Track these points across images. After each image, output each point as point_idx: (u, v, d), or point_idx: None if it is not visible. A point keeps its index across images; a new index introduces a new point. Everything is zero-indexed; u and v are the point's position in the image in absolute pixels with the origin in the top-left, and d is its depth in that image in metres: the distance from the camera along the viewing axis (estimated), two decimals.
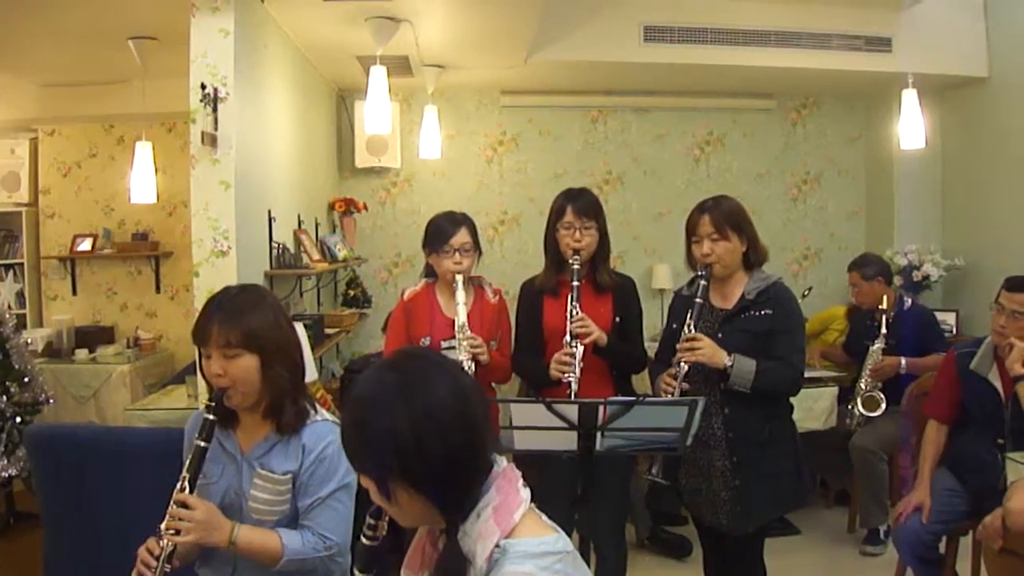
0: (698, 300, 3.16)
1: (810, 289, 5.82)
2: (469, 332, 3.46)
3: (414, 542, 1.69)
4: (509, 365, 3.71)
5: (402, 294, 3.78)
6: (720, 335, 3.14)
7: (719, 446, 3.15)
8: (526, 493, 1.55)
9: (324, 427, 2.38)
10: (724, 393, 3.12)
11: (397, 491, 1.48)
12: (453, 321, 3.51)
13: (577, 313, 3.33)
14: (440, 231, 3.60)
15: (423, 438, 1.43)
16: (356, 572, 1.70)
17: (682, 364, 3.09)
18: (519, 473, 1.59)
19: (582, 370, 3.28)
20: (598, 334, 3.35)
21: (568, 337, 3.32)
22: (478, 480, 1.52)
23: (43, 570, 3.56)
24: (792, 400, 3.30)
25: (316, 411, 2.42)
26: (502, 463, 1.58)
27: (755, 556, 3.27)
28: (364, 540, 1.69)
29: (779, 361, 3.10)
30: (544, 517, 1.56)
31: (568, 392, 3.23)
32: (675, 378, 3.09)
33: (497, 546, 1.45)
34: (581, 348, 3.31)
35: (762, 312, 3.14)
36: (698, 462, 3.21)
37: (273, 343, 2.29)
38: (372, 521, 1.67)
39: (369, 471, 1.50)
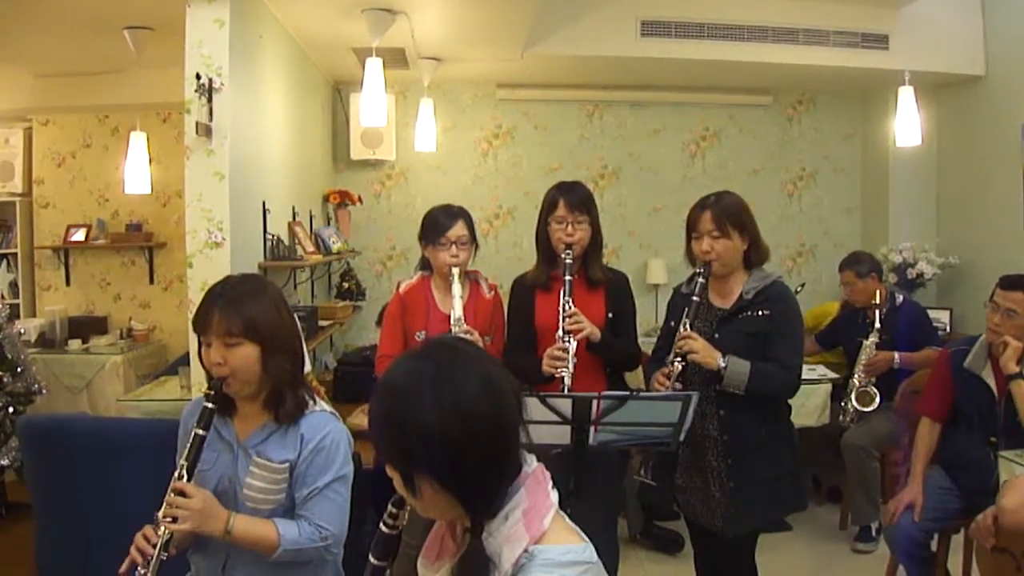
0: (695, 298, 3.11)
1: (803, 285, 5.82)
2: (465, 325, 3.44)
3: (432, 532, 1.67)
4: (502, 361, 3.68)
5: (397, 287, 3.76)
6: (717, 335, 3.10)
7: (714, 448, 3.12)
8: (555, 496, 1.52)
9: (322, 417, 2.38)
10: (720, 395, 3.08)
11: (422, 485, 1.44)
12: (448, 315, 3.49)
13: (570, 307, 3.30)
14: (436, 224, 3.58)
15: (452, 433, 1.39)
16: (372, 559, 1.68)
17: (675, 363, 3.05)
18: (548, 474, 1.55)
19: (575, 365, 3.26)
20: (591, 329, 3.32)
21: (561, 332, 3.30)
22: (507, 479, 1.48)
23: (35, 560, 3.56)
24: None
25: (315, 402, 2.41)
26: (532, 463, 1.54)
27: (747, 555, 3.25)
28: (384, 528, 1.66)
29: (775, 363, 3.05)
30: (568, 520, 1.53)
31: (561, 388, 3.18)
32: (668, 377, 3.05)
33: (525, 551, 1.41)
34: (574, 343, 3.28)
35: (760, 312, 3.09)
36: (695, 463, 3.18)
37: (274, 333, 2.28)
38: (394, 510, 1.64)
39: (394, 462, 1.47)
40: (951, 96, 6.86)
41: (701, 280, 3.13)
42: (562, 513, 1.52)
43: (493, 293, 3.74)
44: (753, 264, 3.19)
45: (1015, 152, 6.07)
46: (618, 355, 3.53)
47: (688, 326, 3.09)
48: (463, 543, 1.52)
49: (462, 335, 3.39)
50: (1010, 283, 3.66)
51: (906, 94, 5.93)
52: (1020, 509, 3.06)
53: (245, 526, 2.25)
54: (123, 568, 2.15)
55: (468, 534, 1.49)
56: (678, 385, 3.03)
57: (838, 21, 6.13)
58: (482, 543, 1.44)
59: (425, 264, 3.73)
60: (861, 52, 6.21)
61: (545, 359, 3.30)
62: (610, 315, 3.50)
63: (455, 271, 3.51)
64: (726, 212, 3.11)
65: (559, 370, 3.24)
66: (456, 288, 3.49)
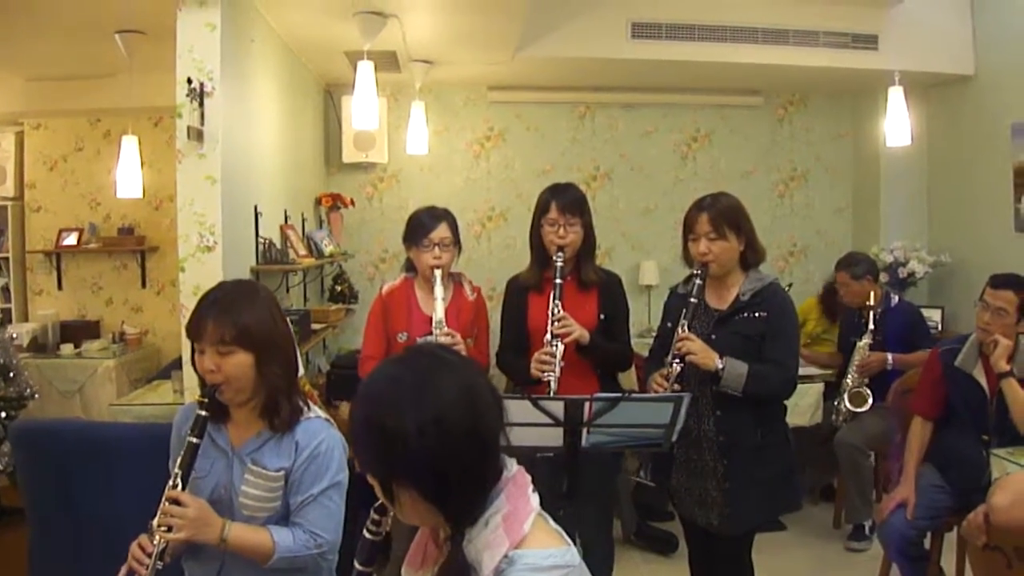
0: (693, 300, 3.12)
1: (790, 285, 5.82)
2: (446, 328, 3.45)
3: (416, 539, 1.66)
4: (485, 363, 3.70)
5: (381, 288, 3.78)
6: (714, 336, 3.11)
7: (711, 448, 3.13)
8: (536, 500, 1.50)
9: (317, 424, 2.37)
10: (716, 395, 3.09)
11: (400, 493, 1.44)
12: (430, 317, 3.51)
13: (559, 311, 3.32)
14: (420, 225, 3.61)
15: (430, 442, 1.38)
16: (357, 565, 1.68)
17: (674, 365, 3.05)
18: (529, 478, 1.54)
19: (563, 369, 3.26)
20: (580, 332, 3.33)
21: (549, 336, 3.30)
22: (486, 487, 1.47)
23: (28, 565, 3.55)
24: None
25: (309, 408, 2.40)
26: (512, 467, 1.53)
27: (743, 555, 3.25)
28: (367, 534, 1.66)
29: (772, 364, 3.07)
30: (551, 522, 1.52)
31: (548, 391, 3.19)
32: (667, 379, 3.05)
33: (505, 557, 1.40)
34: (562, 347, 3.29)
35: (756, 314, 3.10)
36: (691, 462, 3.19)
37: (268, 340, 2.27)
38: (377, 516, 1.64)
39: (373, 470, 1.46)
40: (941, 96, 6.88)
41: (699, 282, 3.13)
42: (545, 515, 1.52)
43: (476, 295, 3.77)
44: (749, 265, 3.21)
45: (1005, 151, 6.09)
46: (608, 356, 3.55)
47: (686, 327, 3.09)
48: (445, 550, 1.52)
49: (443, 337, 3.40)
50: (1000, 282, 3.68)
51: (896, 94, 5.95)
52: (1011, 507, 3.08)
53: (240, 534, 2.25)
54: None
55: (449, 541, 1.48)
56: (676, 387, 3.03)
57: (828, 22, 6.14)
58: (462, 550, 1.44)
59: (410, 266, 3.75)
60: (851, 52, 6.22)
61: (533, 362, 3.32)
62: (602, 316, 3.51)
63: (437, 273, 3.52)
64: (724, 214, 3.12)
65: (545, 373, 3.26)
66: (438, 290, 3.51)
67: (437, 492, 1.42)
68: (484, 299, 3.81)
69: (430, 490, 1.42)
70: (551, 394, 3.17)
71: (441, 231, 3.58)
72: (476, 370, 1.55)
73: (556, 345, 3.29)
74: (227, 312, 2.23)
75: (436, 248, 3.55)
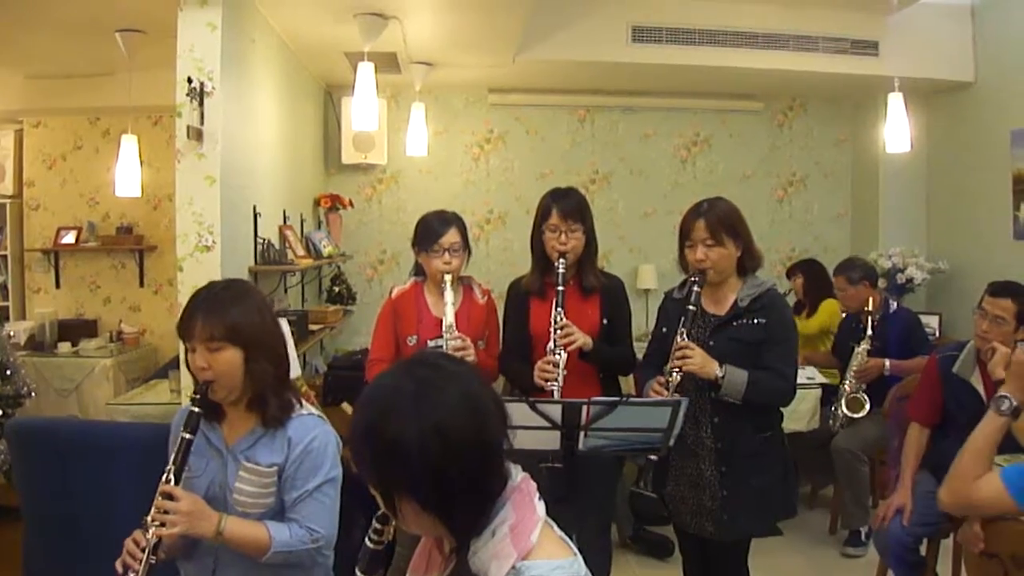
0: (691, 307, 3.08)
1: (788, 291, 5.84)
2: (456, 332, 3.43)
3: (420, 545, 1.66)
4: (496, 366, 3.69)
5: (390, 292, 3.76)
6: (711, 342, 3.08)
7: (708, 456, 3.10)
8: (542, 509, 1.49)
9: (310, 420, 2.39)
10: (714, 402, 3.06)
11: (403, 504, 1.43)
12: (441, 320, 3.48)
13: (561, 319, 3.30)
14: (430, 230, 3.57)
15: (432, 453, 1.37)
16: (359, 573, 1.67)
17: (674, 374, 3.02)
18: (534, 486, 1.53)
19: (565, 376, 3.25)
20: (583, 340, 3.32)
21: (552, 345, 3.29)
22: (491, 498, 1.45)
23: (23, 563, 3.55)
24: None
25: (301, 405, 2.41)
26: (517, 476, 1.51)
27: (739, 563, 3.23)
28: (369, 544, 1.65)
29: (771, 372, 3.04)
30: (557, 530, 1.51)
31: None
32: (666, 387, 3.02)
33: (513, 568, 1.39)
34: (564, 355, 3.28)
35: (755, 320, 3.08)
36: (686, 471, 3.16)
37: (256, 337, 2.29)
38: (379, 526, 1.62)
39: (374, 481, 1.45)
40: (941, 102, 6.89)
41: (696, 289, 3.10)
42: (551, 523, 1.51)
43: (486, 298, 3.74)
44: (747, 271, 3.18)
45: (1004, 158, 6.09)
46: (611, 361, 3.53)
47: (684, 336, 3.06)
48: (450, 560, 1.51)
49: (453, 341, 3.39)
50: (998, 290, 3.67)
51: (896, 100, 5.94)
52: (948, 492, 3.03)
53: (236, 528, 2.25)
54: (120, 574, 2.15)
55: (454, 553, 1.48)
56: (676, 395, 2.99)
57: (828, 27, 6.16)
58: (467, 563, 1.43)
59: (419, 270, 3.72)
60: (851, 58, 6.24)
61: (536, 371, 3.31)
62: (605, 321, 3.50)
63: (448, 278, 3.50)
64: (720, 220, 3.09)
65: (548, 382, 3.25)
66: (448, 295, 3.48)
67: (440, 503, 1.41)
68: (494, 302, 3.78)
69: (433, 501, 1.41)
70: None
71: (451, 236, 3.54)
72: (477, 378, 1.53)
73: (559, 354, 3.28)
74: (215, 310, 2.25)
75: (446, 253, 3.52)
